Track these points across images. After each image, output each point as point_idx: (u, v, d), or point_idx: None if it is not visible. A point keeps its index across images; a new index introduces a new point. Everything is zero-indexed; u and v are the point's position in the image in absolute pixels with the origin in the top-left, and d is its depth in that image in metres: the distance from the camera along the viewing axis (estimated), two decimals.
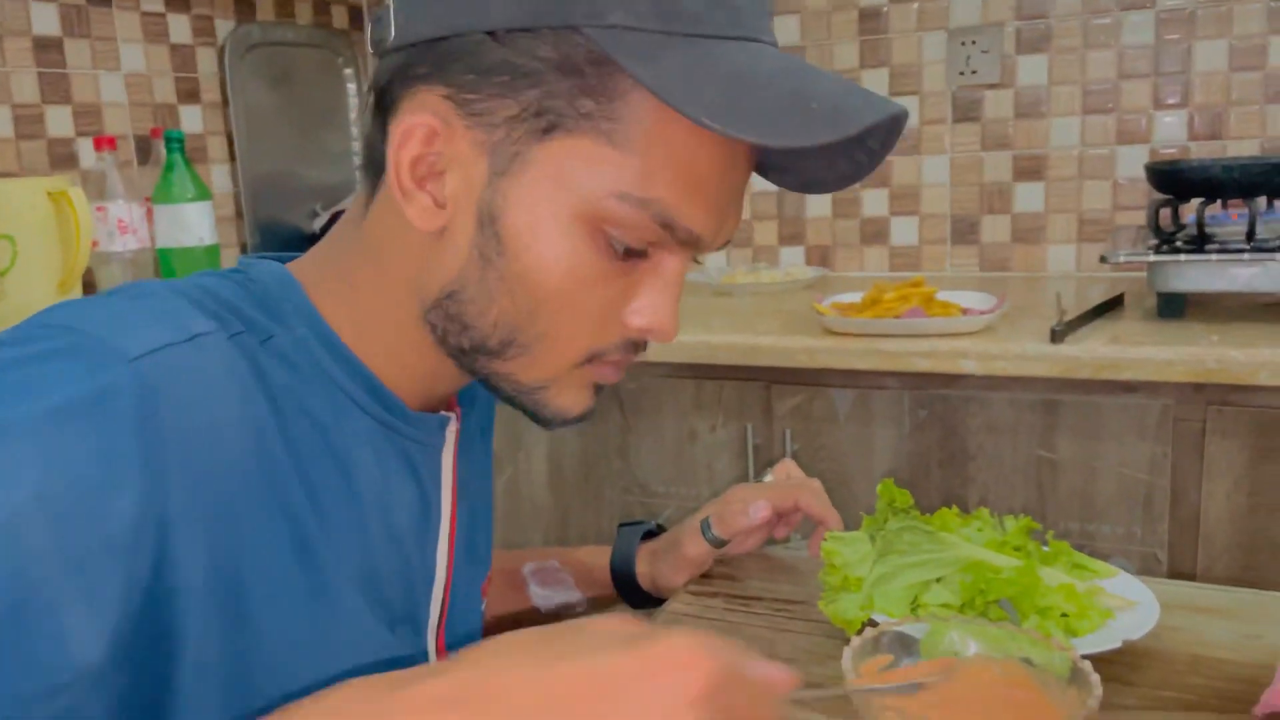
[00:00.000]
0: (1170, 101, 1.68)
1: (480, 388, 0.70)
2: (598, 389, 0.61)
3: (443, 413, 0.64)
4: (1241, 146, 1.64)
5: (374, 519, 0.59)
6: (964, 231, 1.85)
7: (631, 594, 0.88)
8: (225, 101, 1.91)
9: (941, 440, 1.39)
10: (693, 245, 0.56)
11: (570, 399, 0.60)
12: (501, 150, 0.53)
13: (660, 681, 0.38)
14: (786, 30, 1.91)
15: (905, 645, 0.59)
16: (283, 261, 0.61)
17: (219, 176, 1.93)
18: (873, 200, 1.91)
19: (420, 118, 0.54)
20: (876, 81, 1.86)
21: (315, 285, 0.59)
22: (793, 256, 2.00)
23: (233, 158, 1.95)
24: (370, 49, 0.59)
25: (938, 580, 0.70)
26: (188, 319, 0.52)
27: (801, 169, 0.60)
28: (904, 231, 1.90)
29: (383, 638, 0.60)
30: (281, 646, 0.53)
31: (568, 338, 0.56)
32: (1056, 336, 1.32)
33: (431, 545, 0.65)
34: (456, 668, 0.41)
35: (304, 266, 0.61)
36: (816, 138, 0.50)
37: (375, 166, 0.58)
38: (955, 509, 0.77)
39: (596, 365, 0.59)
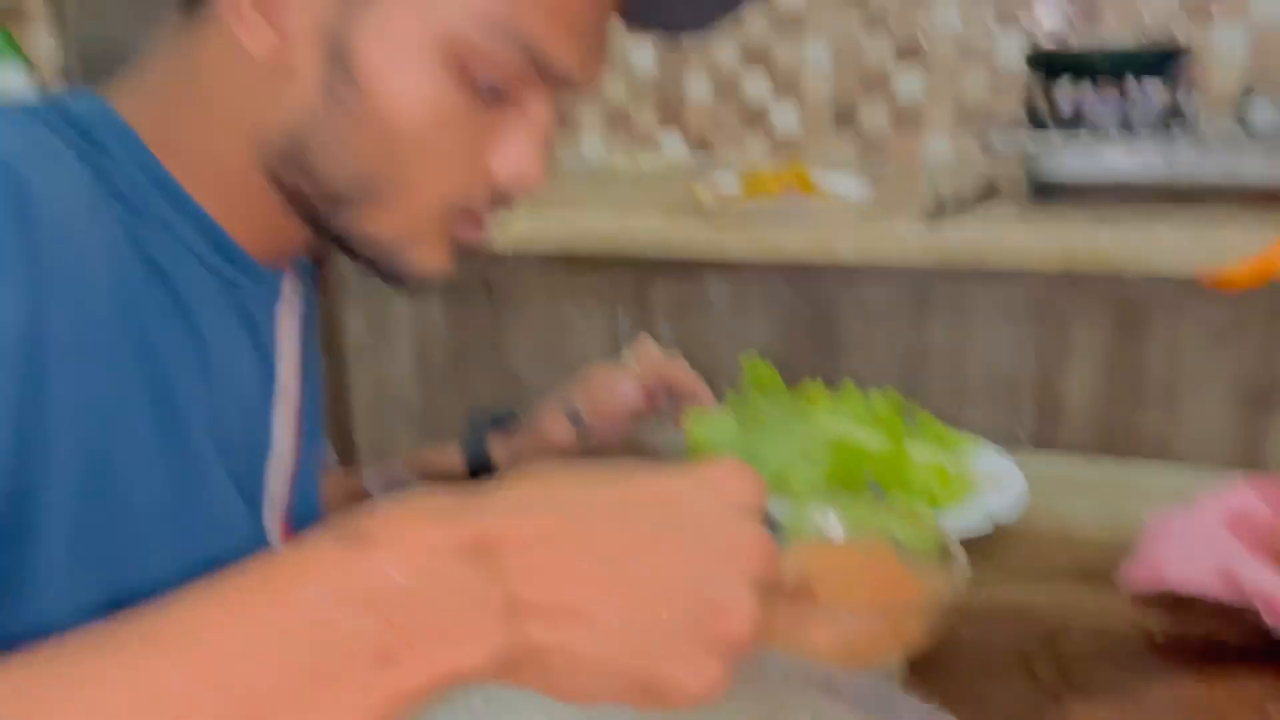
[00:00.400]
0: None
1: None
2: (459, 248, 0.56)
3: (278, 269, 0.58)
4: (1119, 37, 1.63)
5: (220, 375, 0.53)
6: (844, 117, 1.82)
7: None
8: None
9: (814, 328, 1.37)
10: (562, 84, 0.52)
11: (432, 257, 0.55)
12: None
13: (722, 488, 0.39)
14: None
15: (768, 524, 0.56)
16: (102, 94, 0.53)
17: (42, 43, 1.73)
18: (754, 83, 1.85)
19: None
20: None
21: (140, 123, 0.52)
22: (671, 142, 1.93)
23: (59, 21, 1.75)
24: None
25: (805, 458, 0.67)
26: (34, 128, 0.46)
27: (667, 12, 0.56)
28: (785, 117, 1.85)
29: (242, 512, 0.55)
30: (147, 512, 0.47)
31: (428, 185, 0.52)
32: (931, 221, 1.31)
33: (265, 413, 0.59)
34: (511, 487, 0.38)
35: (122, 102, 0.53)
36: None
37: None
38: (821, 385, 0.74)
39: (459, 217, 0.54)
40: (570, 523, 0.36)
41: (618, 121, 1.94)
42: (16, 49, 1.50)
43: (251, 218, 0.54)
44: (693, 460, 0.70)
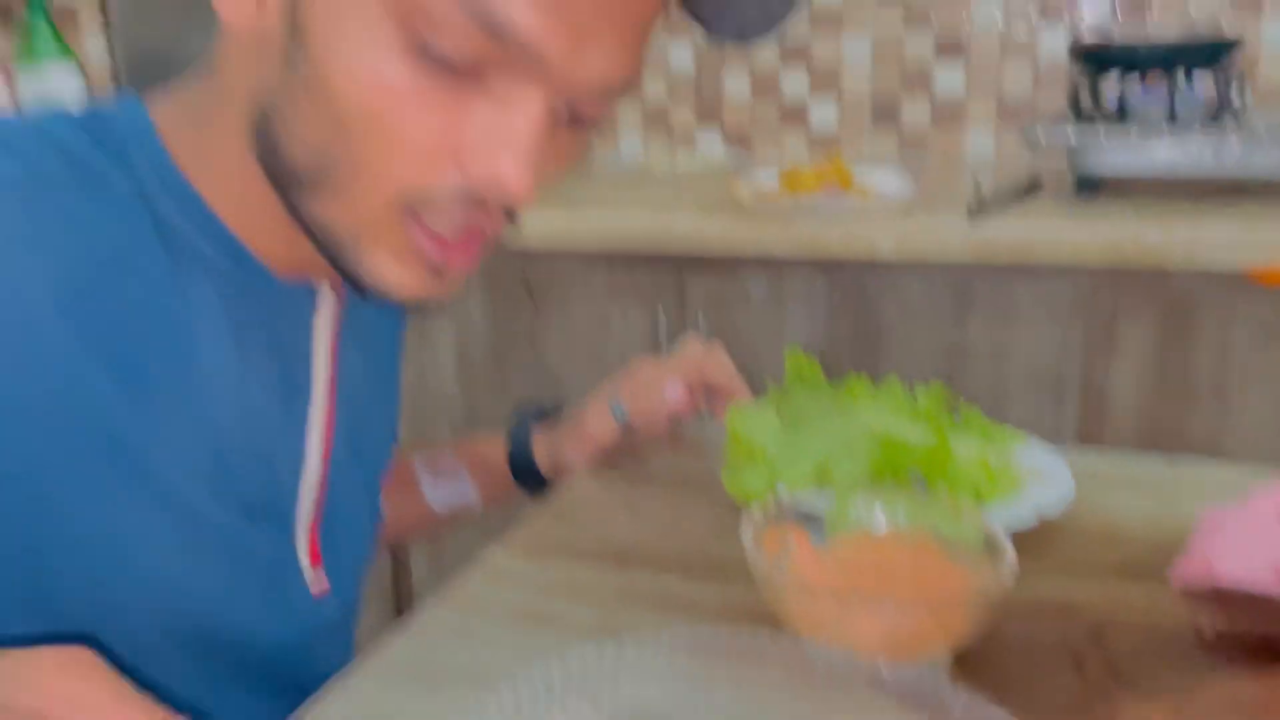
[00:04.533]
0: None
1: None
2: (436, 271, 0.50)
3: (313, 283, 0.57)
4: (1165, 30, 1.61)
5: (221, 394, 0.53)
6: (884, 113, 1.80)
7: (529, 480, 0.83)
8: None
9: (855, 324, 1.36)
10: (535, 64, 0.44)
11: (393, 266, 0.49)
12: None
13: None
14: None
15: (810, 517, 0.56)
16: (147, 100, 0.54)
17: (93, 46, 1.77)
18: (792, 81, 1.84)
19: None
20: None
21: (171, 128, 0.52)
22: (709, 140, 1.93)
23: (108, 25, 1.78)
24: None
25: (847, 452, 0.67)
26: (25, 156, 0.47)
27: (734, 10, 0.50)
28: (823, 113, 1.84)
29: (236, 529, 0.55)
30: (90, 542, 0.48)
31: (383, 168, 0.46)
32: (973, 216, 1.29)
33: (298, 430, 0.59)
34: None
35: (162, 109, 0.54)
36: None
37: None
38: (865, 380, 0.73)
39: (422, 227, 0.48)
40: None
41: (656, 120, 1.94)
42: (68, 50, 1.53)
43: (274, 227, 0.52)
44: (732, 454, 0.70)
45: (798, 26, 1.80)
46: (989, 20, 1.70)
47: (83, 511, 0.48)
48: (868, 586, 0.51)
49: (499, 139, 0.45)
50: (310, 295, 0.57)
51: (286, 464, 0.58)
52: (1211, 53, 1.35)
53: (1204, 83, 1.36)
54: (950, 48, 1.73)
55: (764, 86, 1.87)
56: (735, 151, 1.88)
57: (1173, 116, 1.29)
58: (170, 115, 0.53)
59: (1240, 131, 1.24)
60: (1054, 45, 1.66)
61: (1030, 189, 1.42)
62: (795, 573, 0.52)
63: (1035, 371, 1.29)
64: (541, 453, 0.82)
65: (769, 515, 0.54)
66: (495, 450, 0.84)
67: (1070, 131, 1.31)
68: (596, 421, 0.80)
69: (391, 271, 0.49)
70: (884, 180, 1.45)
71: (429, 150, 0.46)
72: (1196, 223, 1.20)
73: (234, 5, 0.47)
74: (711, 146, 1.92)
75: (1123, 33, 1.62)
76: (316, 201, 0.48)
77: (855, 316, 1.36)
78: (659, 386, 0.79)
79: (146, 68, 1.80)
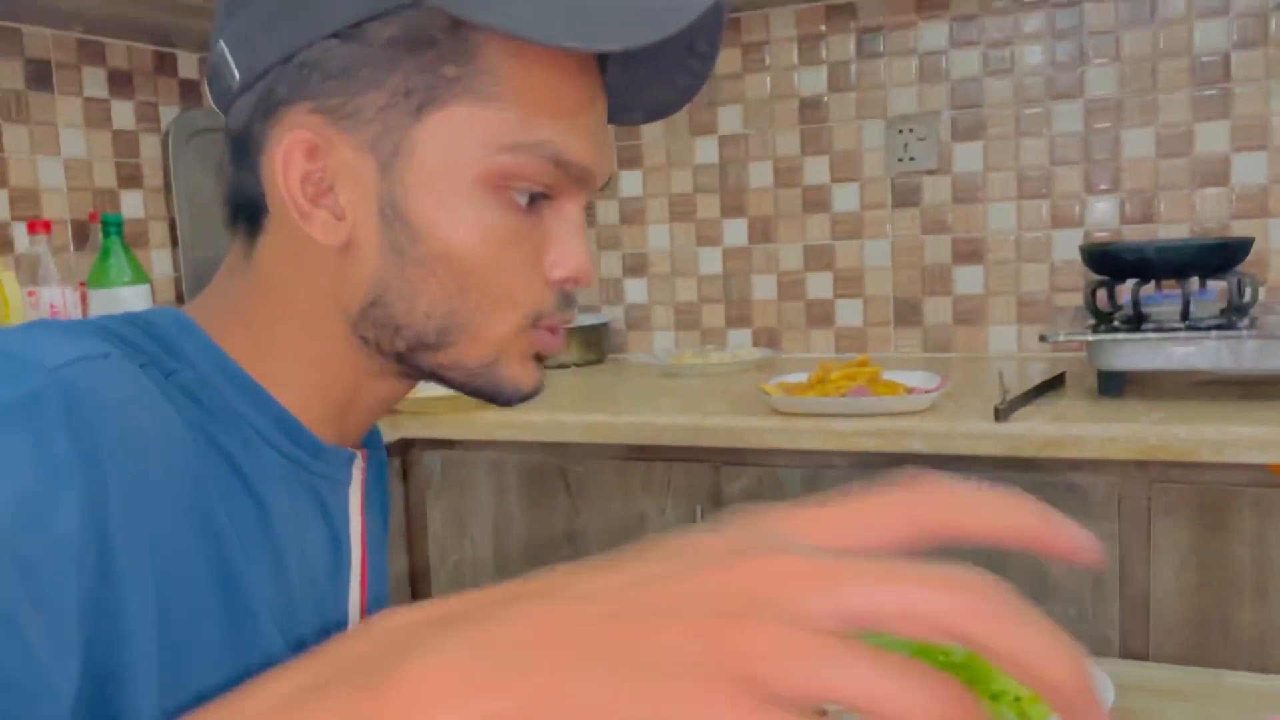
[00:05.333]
0: (1102, 187, 1.73)
1: (378, 433, 0.69)
2: (540, 360, 0.61)
3: (349, 450, 0.62)
4: (1172, 229, 1.69)
5: (291, 557, 0.56)
6: (907, 313, 1.88)
7: None
8: (168, 187, 1.89)
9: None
10: (586, 181, 0.57)
11: (523, 371, 0.59)
12: (383, 142, 0.54)
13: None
14: (730, 119, 1.95)
15: None
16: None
17: (160, 262, 1.90)
18: (817, 282, 1.93)
19: (295, 136, 0.54)
20: (818, 168, 1.90)
21: (214, 328, 0.58)
22: (740, 338, 2.00)
23: (174, 243, 1.92)
24: (216, 104, 0.59)
25: None
26: (95, 341, 0.51)
27: (645, 93, 0.61)
28: (849, 313, 1.92)
29: None
30: (201, 679, 0.49)
31: (502, 304, 0.56)
32: (1000, 415, 1.33)
33: (344, 589, 0.62)
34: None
35: (198, 313, 0.59)
36: (673, 26, 0.51)
37: (249, 211, 0.58)
38: None
39: (539, 330, 0.59)
40: None
41: (688, 320, 2.02)
42: (143, 275, 1.64)
43: (325, 399, 0.58)
44: None
45: (819, 231, 1.91)
46: (1004, 225, 1.79)
47: (199, 646, 0.49)
48: None
49: (571, 243, 0.58)
50: (348, 462, 0.62)
51: (335, 620, 0.61)
52: (1222, 255, 1.42)
53: (1216, 284, 1.42)
54: (968, 253, 1.82)
55: (791, 288, 1.95)
56: (765, 350, 1.95)
57: (1186, 316, 1.34)
58: (207, 317, 0.58)
59: (1254, 331, 1.28)
60: (1069, 245, 1.74)
61: (1054, 385, 1.46)
62: None
63: (1074, 571, 1.29)
64: None
65: None
66: None
67: (1088, 334, 1.36)
68: None
69: (524, 376, 0.59)
70: (911, 378, 1.50)
71: (530, 274, 0.57)
72: (1221, 419, 1.22)
73: (326, 229, 0.54)
74: (742, 344, 1.99)
75: (1133, 234, 1.70)
76: (445, 353, 0.57)
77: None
78: None
79: (208, 279, 1.92)
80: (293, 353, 0.57)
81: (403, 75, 0.53)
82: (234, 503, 0.53)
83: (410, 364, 0.58)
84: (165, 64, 1.91)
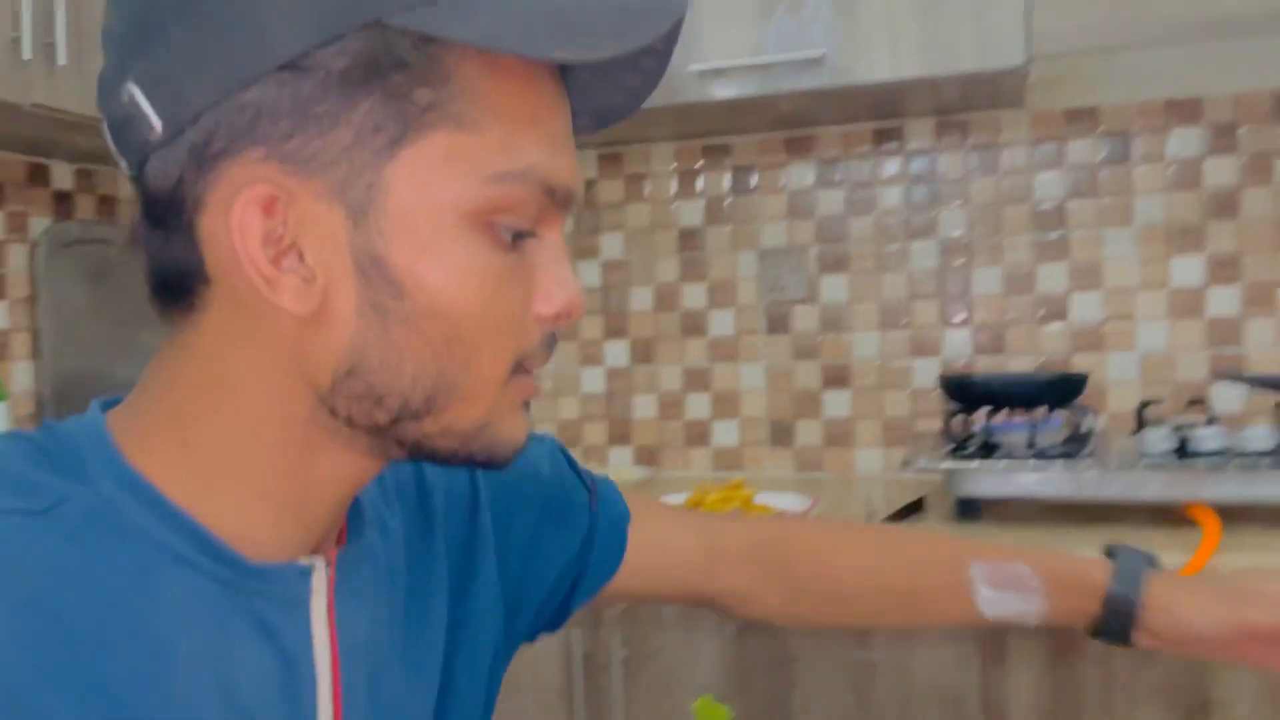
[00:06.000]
0: (956, 320, 1.85)
1: (393, 513, 0.60)
2: (527, 408, 0.55)
3: (302, 561, 0.53)
4: (1020, 361, 1.81)
5: (204, 694, 0.49)
6: (780, 434, 1.95)
7: (1114, 626, 0.73)
8: (34, 298, 1.84)
9: (765, 645, 1.40)
10: (568, 204, 0.52)
11: (513, 426, 0.53)
12: (352, 187, 0.47)
13: None
14: (612, 245, 2.02)
15: None
16: (106, 408, 0.53)
17: (21, 375, 1.83)
18: (696, 403, 1.99)
19: (250, 191, 0.46)
20: (696, 294, 1.98)
21: (132, 439, 0.50)
22: (621, 456, 2.04)
23: (37, 355, 1.85)
24: (125, 160, 0.50)
25: None
26: None
27: (595, 97, 0.55)
28: (725, 433, 1.98)
29: None
30: None
31: (494, 355, 0.50)
32: None
33: (306, 713, 0.54)
34: None
35: (120, 419, 0.52)
36: (657, 29, 0.48)
37: (182, 286, 0.49)
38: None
39: (525, 376, 0.52)
40: None
41: (569, 437, 2.05)
42: (3, 394, 1.58)
43: (279, 504, 0.51)
44: None
45: (697, 355, 1.97)
46: (868, 353, 1.89)
47: None
48: None
49: (562, 274, 0.52)
50: (300, 574, 0.53)
51: None
52: (1064, 389, 1.53)
53: (1060, 413, 1.53)
54: (836, 379, 1.91)
55: (670, 408, 2.01)
56: (645, 468, 1.99)
57: (1033, 444, 1.44)
58: (135, 421, 0.51)
59: (1094, 460, 1.38)
60: (929, 374, 1.85)
61: (916, 509, 1.53)
62: None
63: (937, 688, 1.34)
64: (1157, 602, 0.72)
65: None
66: (1093, 575, 0.74)
67: (943, 458, 1.44)
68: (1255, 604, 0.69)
69: (518, 429, 0.53)
70: (783, 500, 1.55)
71: (523, 315, 0.51)
72: (1062, 543, 1.31)
73: (297, 295, 0.47)
74: (623, 462, 2.02)
75: (985, 364, 1.82)
76: (434, 421, 0.50)
77: (765, 640, 1.40)
78: None
79: (72, 396, 1.86)
80: (236, 450, 0.50)
81: (369, 107, 0.46)
82: (105, 652, 0.46)
83: (389, 438, 0.51)
84: (38, 175, 1.87)
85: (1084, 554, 1.26)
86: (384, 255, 0.47)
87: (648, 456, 2.02)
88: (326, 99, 0.46)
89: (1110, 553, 0.76)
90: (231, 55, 0.45)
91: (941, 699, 1.34)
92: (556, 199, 0.51)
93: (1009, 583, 0.74)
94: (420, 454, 0.52)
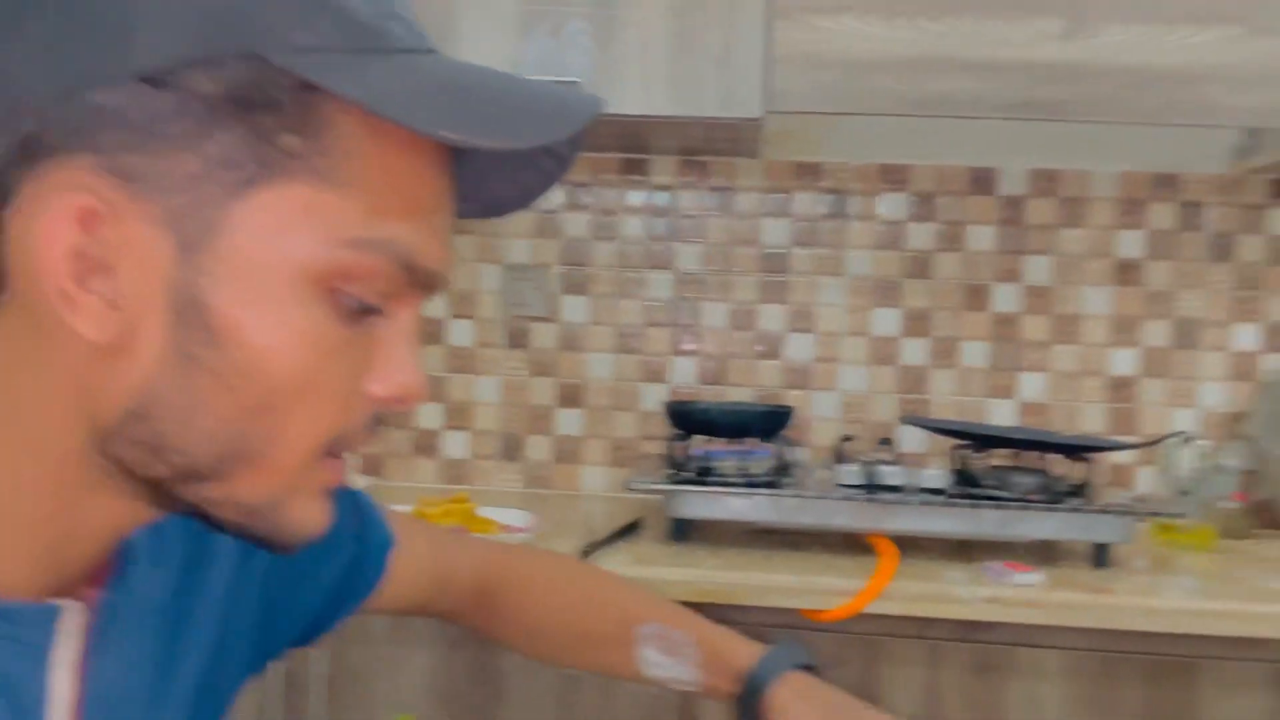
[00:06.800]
0: (685, 349, 1.94)
1: (172, 539, 0.57)
2: (330, 495, 0.50)
3: (54, 601, 0.49)
4: (739, 393, 1.93)
5: None
6: (511, 449, 1.96)
7: (745, 712, 0.77)
8: None
9: (474, 658, 1.40)
10: (430, 287, 0.48)
11: (311, 510, 0.49)
12: (189, 219, 0.43)
13: None
14: None
15: None
16: None
17: None
18: (427, 413, 1.96)
19: (69, 199, 0.42)
20: (436, 303, 1.96)
21: None
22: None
23: None
24: None
25: None
26: None
27: (485, 187, 0.54)
28: (455, 445, 1.96)
29: None
30: None
31: (306, 430, 0.46)
32: (585, 556, 1.42)
33: None
34: None
35: None
36: (564, 129, 0.45)
37: None
38: None
39: (335, 460, 0.49)
40: None
41: None
42: None
43: (34, 542, 0.47)
44: None
45: (435, 365, 1.95)
46: (602, 374, 1.94)
47: None
48: None
49: (405, 357, 0.48)
50: (43, 616, 0.49)
51: None
52: (772, 421, 1.65)
53: (770, 444, 1.64)
54: (569, 397, 1.95)
55: (400, 416, 1.97)
56: (367, 478, 1.94)
57: (743, 472, 1.54)
58: None
59: (795, 489, 1.50)
60: (655, 397, 1.93)
61: (635, 528, 1.59)
62: None
63: (637, 703, 1.40)
64: (779, 703, 0.75)
65: None
66: (739, 660, 0.78)
67: (663, 481, 1.51)
68: None
69: (310, 516, 0.49)
70: (506, 516, 1.57)
71: (350, 393, 0.47)
72: (762, 567, 1.40)
73: (95, 320, 0.43)
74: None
75: (707, 395, 1.92)
76: (217, 487, 0.46)
77: (474, 653, 1.41)
78: None
79: None
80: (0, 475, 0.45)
81: (229, 140, 0.43)
82: None
83: (164, 494, 0.47)
84: None
85: (777, 580, 1.37)
86: (206, 299, 0.43)
87: (371, 466, 1.97)
88: (182, 121, 0.42)
89: (773, 644, 0.81)
90: (90, 50, 0.42)
91: (638, 713, 1.39)
92: (417, 279, 0.47)
93: (671, 649, 0.78)
94: (200, 518, 0.48)
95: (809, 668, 0.79)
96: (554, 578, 0.86)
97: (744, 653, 0.79)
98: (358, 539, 0.76)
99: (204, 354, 0.44)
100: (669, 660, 0.77)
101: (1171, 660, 1.34)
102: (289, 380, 0.45)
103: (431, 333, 1.96)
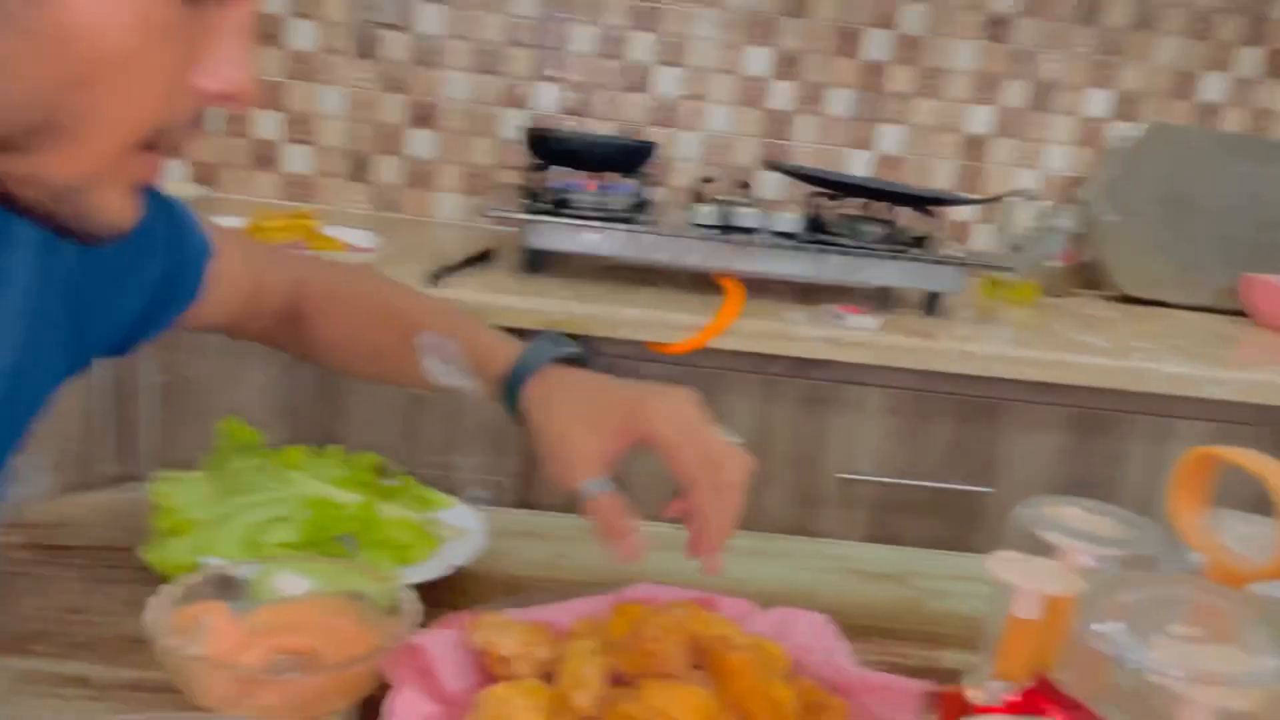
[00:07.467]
0: (548, 74, 1.84)
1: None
2: (141, 192, 0.49)
3: None
4: (602, 126, 1.86)
5: None
6: (359, 168, 1.86)
7: (508, 406, 0.75)
8: None
9: (314, 376, 1.38)
10: None
11: (120, 202, 0.47)
12: None
13: None
14: None
15: (231, 588, 0.58)
16: None
17: None
18: (265, 122, 1.83)
19: None
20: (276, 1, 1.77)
21: None
22: (173, 171, 1.83)
23: None
24: None
25: (280, 519, 0.70)
26: None
27: None
28: (299, 160, 1.85)
29: None
30: None
31: (123, 114, 0.44)
32: (435, 281, 1.39)
33: None
34: None
35: None
36: None
37: None
38: (305, 447, 0.77)
39: (153, 156, 0.47)
40: None
41: None
42: None
43: None
44: (156, 526, 0.69)
45: (271, 68, 1.80)
46: (458, 94, 1.83)
47: None
48: (278, 653, 0.55)
49: (234, 52, 0.46)
50: None
51: None
52: (636, 154, 1.61)
53: (630, 179, 1.61)
54: (422, 117, 1.84)
55: (233, 123, 1.82)
56: (201, 188, 1.81)
57: (602, 206, 1.51)
58: None
59: (651, 226, 1.49)
60: (514, 125, 1.85)
61: (487, 257, 1.56)
62: (210, 647, 0.54)
63: (481, 425, 1.42)
64: (536, 393, 0.73)
65: (188, 588, 0.56)
66: (497, 359, 0.74)
67: (518, 210, 1.47)
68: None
69: (118, 208, 0.47)
70: (352, 236, 1.51)
71: (175, 82, 0.45)
72: (616, 301, 1.41)
73: None
74: (180, 184, 1.83)
75: (569, 125, 1.85)
76: (24, 161, 0.43)
77: (313, 368, 1.38)
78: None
79: None
80: None
81: None
82: None
83: None
84: None
85: (627, 313, 1.37)
86: None
87: (206, 175, 1.84)
88: None
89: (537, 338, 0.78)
90: None
91: (485, 434, 1.42)
92: None
93: (447, 356, 0.76)
94: (0, 199, 0.46)
95: (575, 360, 0.77)
96: (356, 292, 0.83)
97: (503, 352, 0.76)
98: (175, 246, 0.71)
99: (22, 11, 0.40)
100: (448, 368, 0.75)
101: (980, 400, 1.44)
102: (110, 53, 0.42)
103: (268, 32, 1.78)
